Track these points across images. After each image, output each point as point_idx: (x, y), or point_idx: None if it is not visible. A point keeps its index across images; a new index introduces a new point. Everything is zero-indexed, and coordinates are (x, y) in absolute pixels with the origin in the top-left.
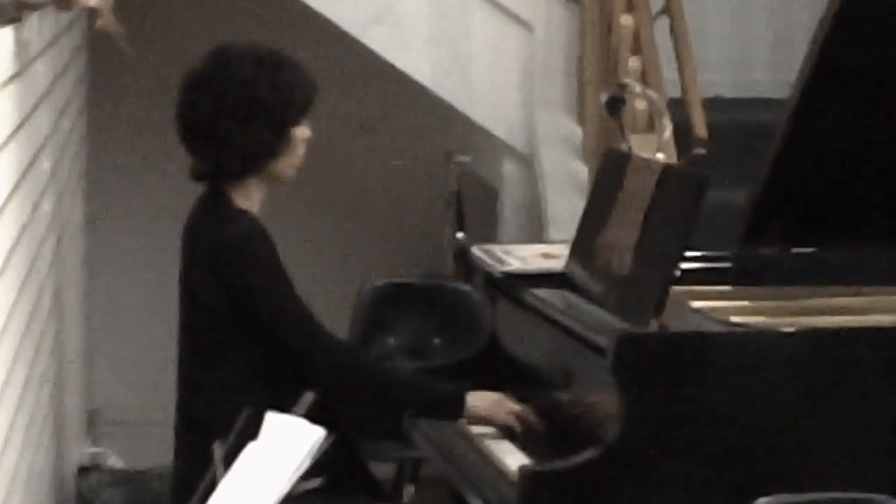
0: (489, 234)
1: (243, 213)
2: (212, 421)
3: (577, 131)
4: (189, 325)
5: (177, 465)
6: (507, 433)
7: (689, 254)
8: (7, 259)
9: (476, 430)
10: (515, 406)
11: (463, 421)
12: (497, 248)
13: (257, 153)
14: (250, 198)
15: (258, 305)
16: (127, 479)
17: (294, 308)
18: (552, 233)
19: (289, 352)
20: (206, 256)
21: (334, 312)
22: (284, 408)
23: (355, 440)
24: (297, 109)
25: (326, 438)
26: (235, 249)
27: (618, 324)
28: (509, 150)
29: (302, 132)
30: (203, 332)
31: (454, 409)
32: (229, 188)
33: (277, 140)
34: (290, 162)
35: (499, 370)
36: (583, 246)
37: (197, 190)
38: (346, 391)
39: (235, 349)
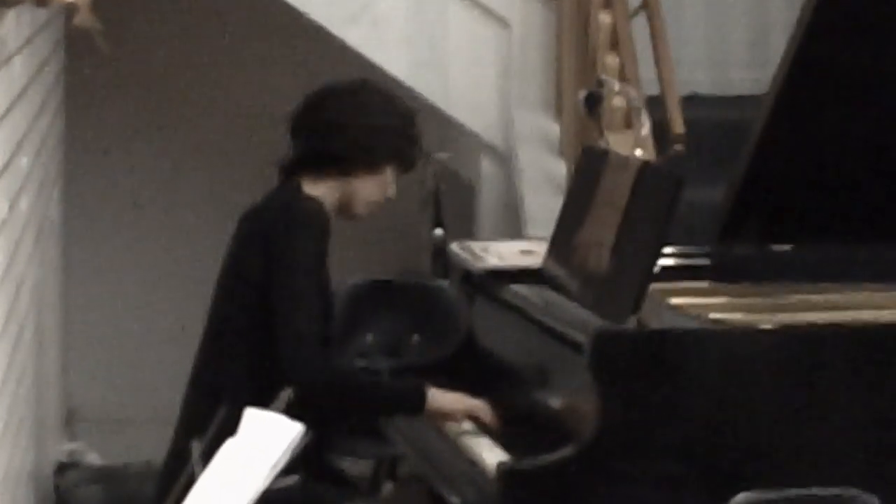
0: (467, 232)
1: (314, 198)
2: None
3: (554, 128)
4: (218, 320)
5: (170, 459)
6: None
7: (666, 251)
8: None
9: (453, 426)
10: (475, 402)
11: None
12: (475, 246)
13: (364, 153)
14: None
15: (278, 279)
16: (105, 476)
17: (304, 301)
18: (530, 230)
19: (272, 335)
20: (265, 227)
21: None
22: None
23: (331, 438)
24: (408, 150)
25: (305, 434)
26: (296, 222)
27: (595, 321)
28: (487, 147)
29: (391, 178)
30: (232, 326)
31: (416, 402)
32: (304, 181)
33: (384, 156)
34: (373, 192)
35: (477, 367)
36: (561, 243)
37: (175, 185)
38: (309, 391)
39: (259, 349)
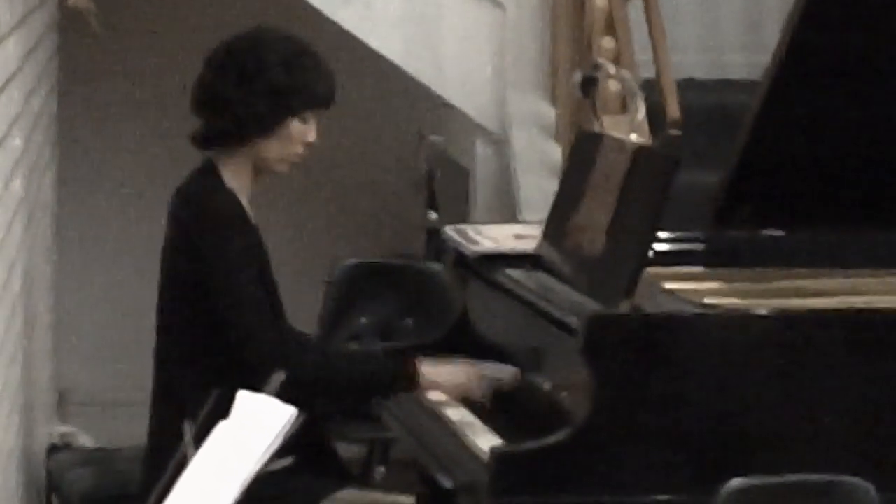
0: (461, 215)
1: (230, 193)
2: (186, 397)
3: (549, 112)
4: (166, 298)
5: (150, 442)
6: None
7: (661, 235)
8: None
9: (446, 409)
10: (469, 374)
11: (431, 399)
12: (469, 229)
13: (249, 124)
14: (239, 176)
15: (213, 285)
16: (97, 459)
17: (244, 297)
18: (524, 213)
19: (234, 340)
20: (187, 226)
21: (306, 293)
22: (258, 384)
23: (324, 421)
24: (302, 100)
25: (297, 417)
26: (211, 226)
27: (589, 305)
28: (481, 130)
29: (302, 128)
30: (178, 305)
31: (405, 382)
32: (221, 162)
33: (271, 120)
34: (281, 151)
35: (469, 350)
36: (555, 227)
37: (169, 167)
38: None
39: (209, 325)
